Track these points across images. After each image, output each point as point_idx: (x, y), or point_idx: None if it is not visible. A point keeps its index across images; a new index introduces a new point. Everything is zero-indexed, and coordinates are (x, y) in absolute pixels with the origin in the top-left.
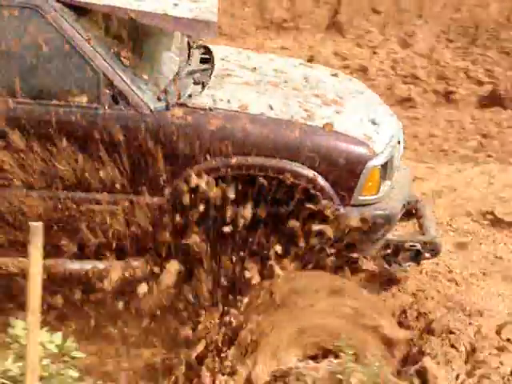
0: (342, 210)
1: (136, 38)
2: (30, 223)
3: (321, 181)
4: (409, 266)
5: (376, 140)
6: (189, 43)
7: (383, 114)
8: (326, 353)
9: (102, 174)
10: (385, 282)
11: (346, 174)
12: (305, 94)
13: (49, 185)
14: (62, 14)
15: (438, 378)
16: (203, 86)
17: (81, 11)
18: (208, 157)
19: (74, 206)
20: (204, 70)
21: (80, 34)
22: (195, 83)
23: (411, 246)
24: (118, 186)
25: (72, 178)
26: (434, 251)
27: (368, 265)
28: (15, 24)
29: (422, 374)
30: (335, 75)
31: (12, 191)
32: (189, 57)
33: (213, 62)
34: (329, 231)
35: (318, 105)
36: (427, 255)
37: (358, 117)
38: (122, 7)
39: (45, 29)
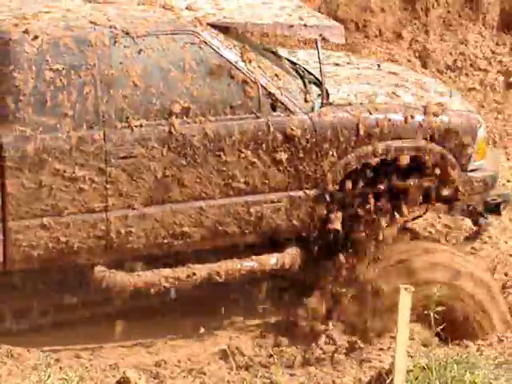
0: (464, 176)
1: (259, 49)
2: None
3: (447, 154)
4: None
5: (473, 111)
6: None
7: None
8: None
9: (268, 175)
10: None
11: (464, 144)
12: (396, 81)
13: (225, 193)
14: (215, 36)
15: None
16: (320, 85)
17: (224, 30)
18: (357, 146)
19: (245, 209)
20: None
21: (234, 52)
22: (310, 83)
23: (492, 199)
24: (281, 184)
25: (242, 184)
26: (506, 201)
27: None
28: (175, 49)
29: None
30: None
31: (190, 204)
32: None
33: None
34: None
35: (416, 88)
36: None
37: (444, 92)
38: (267, 23)
39: (203, 51)
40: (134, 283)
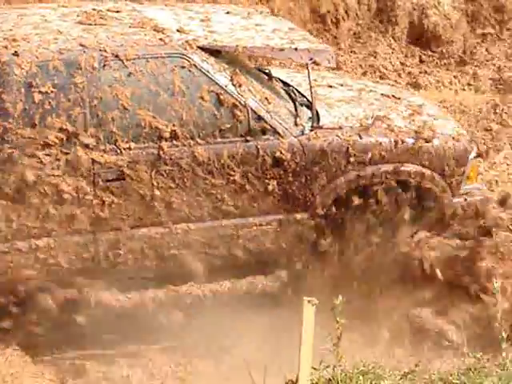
0: (454, 200)
1: (252, 71)
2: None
3: (438, 178)
4: None
5: (465, 134)
6: None
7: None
8: None
9: (257, 198)
10: None
11: (455, 168)
12: (389, 104)
13: (214, 216)
14: (205, 59)
15: None
16: (310, 107)
17: (214, 53)
18: (347, 170)
19: (234, 232)
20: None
21: (224, 75)
22: (301, 105)
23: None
24: (271, 207)
25: (231, 207)
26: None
27: None
28: (164, 73)
29: None
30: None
31: (179, 227)
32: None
33: (284, 83)
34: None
35: (408, 111)
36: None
37: (437, 115)
38: (258, 46)
39: (193, 75)
40: (122, 303)
